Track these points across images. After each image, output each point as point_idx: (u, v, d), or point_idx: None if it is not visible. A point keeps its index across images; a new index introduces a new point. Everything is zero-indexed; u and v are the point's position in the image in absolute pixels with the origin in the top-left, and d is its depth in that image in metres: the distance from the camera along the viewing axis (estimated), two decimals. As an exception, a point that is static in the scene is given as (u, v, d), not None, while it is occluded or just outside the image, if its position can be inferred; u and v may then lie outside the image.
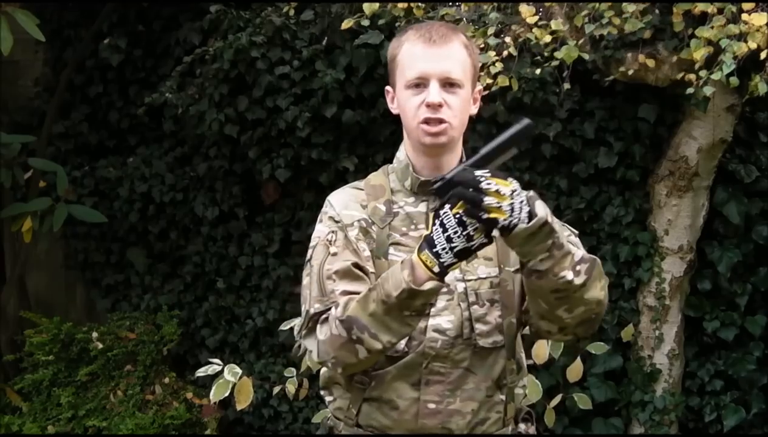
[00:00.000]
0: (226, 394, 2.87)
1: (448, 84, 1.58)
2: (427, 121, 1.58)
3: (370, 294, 1.49)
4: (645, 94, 3.75)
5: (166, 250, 4.80)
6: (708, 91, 3.09)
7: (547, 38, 3.21)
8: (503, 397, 1.65)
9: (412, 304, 1.46)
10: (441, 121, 1.58)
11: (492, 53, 3.27)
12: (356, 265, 1.59)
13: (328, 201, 1.70)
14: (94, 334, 4.40)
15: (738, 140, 3.86)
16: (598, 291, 1.53)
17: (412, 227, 1.64)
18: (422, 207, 1.66)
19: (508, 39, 3.31)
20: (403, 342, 1.59)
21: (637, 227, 3.87)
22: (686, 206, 3.77)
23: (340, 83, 3.98)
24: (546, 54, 3.31)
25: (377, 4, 3.36)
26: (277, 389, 3.31)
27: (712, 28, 3.03)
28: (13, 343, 4.68)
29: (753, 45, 2.98)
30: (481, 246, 1.42)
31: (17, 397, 4.42)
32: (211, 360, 2.97)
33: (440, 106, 1.57)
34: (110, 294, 4.94)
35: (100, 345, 4.35)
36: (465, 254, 1.42)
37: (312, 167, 4.20)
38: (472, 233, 1.40)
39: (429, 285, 1.44)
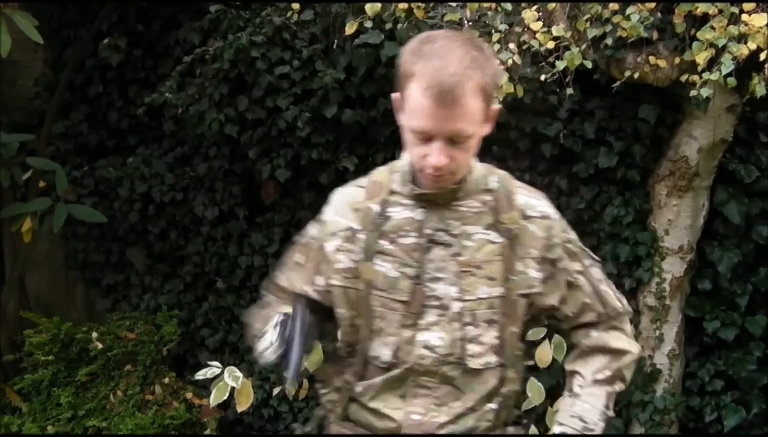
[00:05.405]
0: (225, 397, 2.86)
1: (456, 140, 1.48)
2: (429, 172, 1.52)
3: (255, 325, 1.77)
4: (645, 94, 3.74)
5: (165, 250, 4.79)
6: (705, 92, 3.08)
7: (551, 44, 3.20)
8: (495, 406, 1.64)
9: None
10: (443, 174, 1.52)
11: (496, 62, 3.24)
12: (292, 292, 1.70)
13: (329, 200, 1.69)
14: (94, 334, 4.39)
15: (738, 140, 3.86)
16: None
17: (402, 234, 1.59)
18: (418, 214, 1.59)
19: (512, 45, 3.29)
20: (389, 353, 1.59)
21: (637, 227, 3.86)
22: (686, 206, 3.77)
23: (340, 83, 3.98)
24: (551, 60, 3.29)
25: (379, 5, 3.34)
26: (276, 390, 3.30)
27: (713, 29, 3.03)
28: (13, 343, 4.68)
29: (753, 46, 2.97)
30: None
31: (17, 397, 4.41)
32: (210, 362, 2.96)
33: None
34: (110, 294, 4.93)
35: (100, 345, 4.35)
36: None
37: (312, 167, 4.20)
38: None
39: None
